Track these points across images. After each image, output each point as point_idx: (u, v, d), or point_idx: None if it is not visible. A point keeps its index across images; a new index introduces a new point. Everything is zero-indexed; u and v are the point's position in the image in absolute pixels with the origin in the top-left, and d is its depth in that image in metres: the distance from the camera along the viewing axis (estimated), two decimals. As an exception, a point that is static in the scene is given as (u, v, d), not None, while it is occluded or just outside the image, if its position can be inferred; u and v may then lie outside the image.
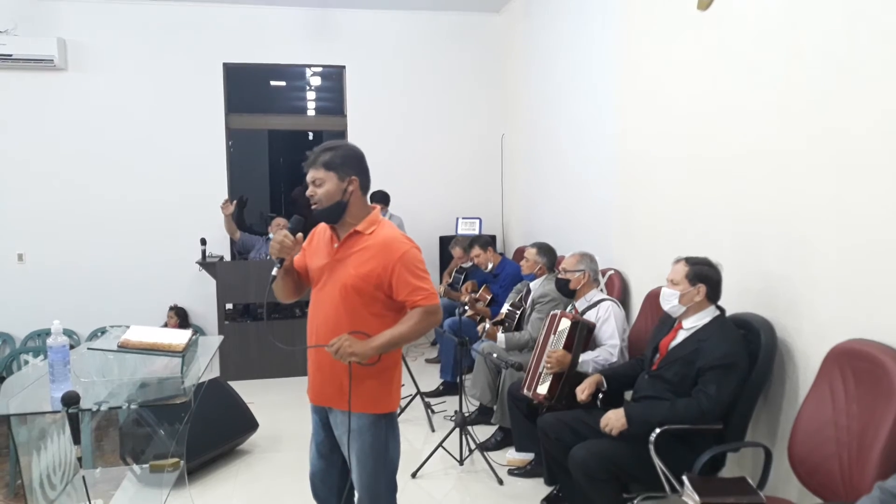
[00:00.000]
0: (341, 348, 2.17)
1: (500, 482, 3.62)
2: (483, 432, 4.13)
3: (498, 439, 4.08)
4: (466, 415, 3.94)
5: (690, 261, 2.78)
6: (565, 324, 3.40)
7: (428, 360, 6.17)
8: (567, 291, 3.80)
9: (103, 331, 5.90)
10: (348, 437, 2.29)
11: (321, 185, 2.27)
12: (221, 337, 3.88)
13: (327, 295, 2.32)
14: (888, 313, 2.19)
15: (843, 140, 2.38)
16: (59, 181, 6.41)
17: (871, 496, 1.67)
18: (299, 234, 2.32)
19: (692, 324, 2.74)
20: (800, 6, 2.60)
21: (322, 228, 2.44)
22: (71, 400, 2.17)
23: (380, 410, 2.34)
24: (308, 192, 2.31)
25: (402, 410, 4.64)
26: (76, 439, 2.29)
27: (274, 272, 2.30)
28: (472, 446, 3.89)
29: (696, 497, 2.22)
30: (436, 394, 5.07)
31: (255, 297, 5.73)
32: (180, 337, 2.66)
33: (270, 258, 2.39)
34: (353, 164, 2.31)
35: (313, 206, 2.31)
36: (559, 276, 3.85)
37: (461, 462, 3.85)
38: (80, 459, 2.42)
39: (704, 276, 2.72)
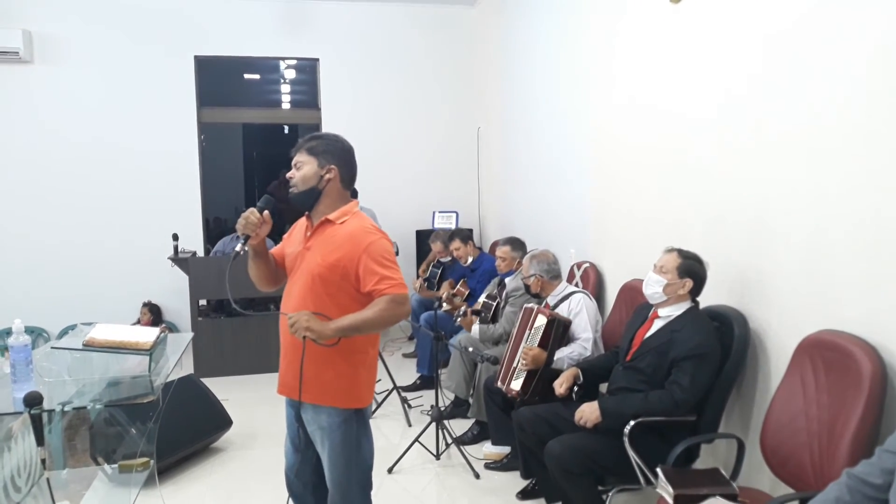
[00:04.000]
0: (298, 321, 2.11)
1: (477, 476, 3.62)
2: (459, 426, 4.13)
3: (474, 433, 4.07)
4: (442, 409, 3.93)
5: (684, 253, 2.76)
6: (541, 321, 3.36)
7: (405, 355, 6.15)
8: (532, 293, 3.83)
9: (73, 328, 5.79)
10: (302, 430, 2.28)
11: (300, 168, 2.28)
12: (192, 334, 3.85)
13: (296, 283, 2.30)
14: (857, 304, 2.20)
15: (812, 132, 2.39)
16: (28, 177, 6.29)
17: (839, 482, 1.68)
18: (266, 213, 2.27)
19: (668, 313, 2.74)
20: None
21: (301, 221, 2.42)
22: (34, 400, 2.11)
23: (347, 405, 2.29)
24: (288, 175, 2.30)
25: (379, 405, 4.62)
26: (39, 441, 2.23)
27: (238, 248, 2.25)
28: (449, 440, 3.88)
29: (670, 489, 2.22)
30: (413, 388, 5.05)
31: (229, 293, 5.63)
32: (147, 335, 2.61)
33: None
34: (336, 155, 2.30)
35: (290, 190, 2.29)
36: (523, 279, 3.88)
37: (438, 456, 3.84)
38: (43, 461, 2.36)
39: (694, 272, 2.72)
